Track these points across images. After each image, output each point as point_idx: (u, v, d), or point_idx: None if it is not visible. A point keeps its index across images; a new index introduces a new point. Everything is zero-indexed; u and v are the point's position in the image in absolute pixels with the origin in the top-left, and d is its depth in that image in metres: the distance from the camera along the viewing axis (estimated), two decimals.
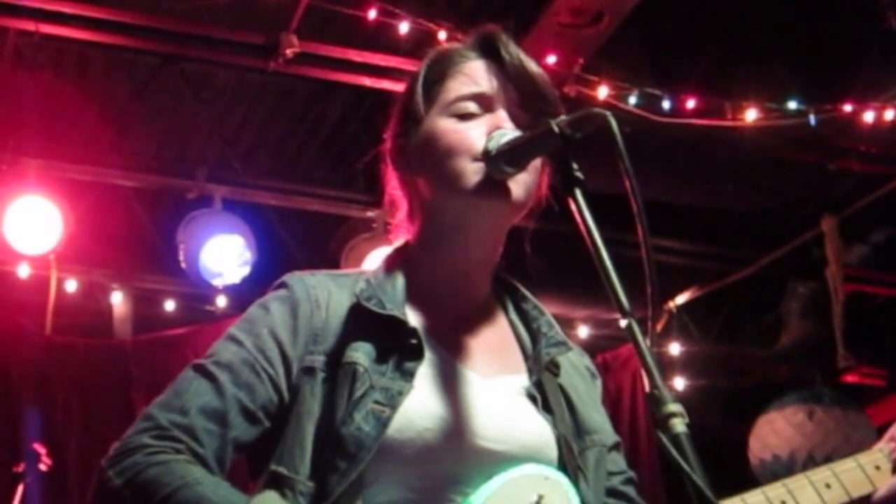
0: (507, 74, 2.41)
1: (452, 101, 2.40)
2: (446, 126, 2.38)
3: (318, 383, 2.26)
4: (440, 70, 2.46)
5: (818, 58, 6.83)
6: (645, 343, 1.92)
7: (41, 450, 6.26)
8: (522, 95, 2.41)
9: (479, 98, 2.40)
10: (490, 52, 2.45)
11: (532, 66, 2.44)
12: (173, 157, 7.75)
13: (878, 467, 2.59)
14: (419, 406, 2.23)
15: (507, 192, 2.33)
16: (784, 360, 9.29)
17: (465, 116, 2.38)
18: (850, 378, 9.07)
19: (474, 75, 2.43)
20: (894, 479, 2.57)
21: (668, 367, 8.63)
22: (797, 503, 2.47)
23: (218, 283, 7.20)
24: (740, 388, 9.59)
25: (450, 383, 2.30)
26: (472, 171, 2.32)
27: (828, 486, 2.52)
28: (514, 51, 2.43)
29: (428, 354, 2.31)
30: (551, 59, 6.25)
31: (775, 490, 2.46)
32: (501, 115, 2.38)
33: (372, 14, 6.19)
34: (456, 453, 2.23)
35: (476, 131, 2.35)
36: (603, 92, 6.57)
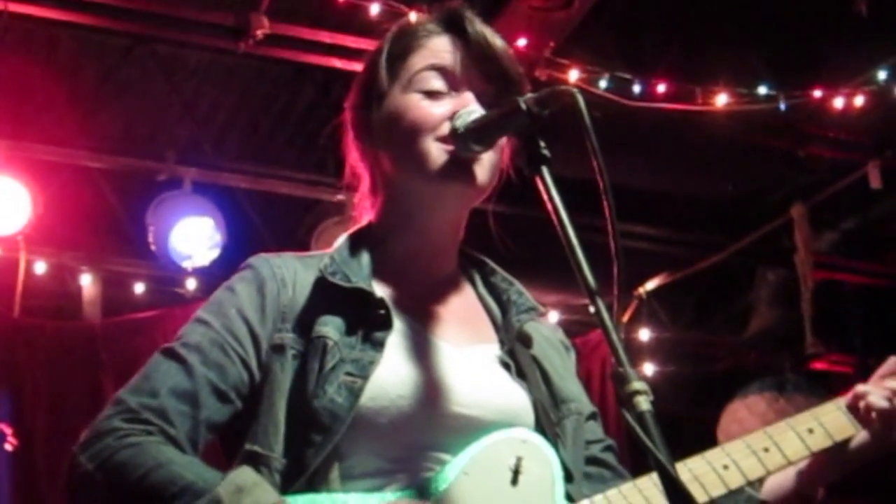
0: (471, 51, 2.40)
1: (415, 75, 2.38)
2: (411, 102, 2.37)
3: (289, 360, 2.26)
4: (404, 45, 2.44)
5: (788, 43, 6.84)
6: (611, 322, 1.91)
7: (7, 430, 6.23)
8: (487, 72, 2.39)
9: (443, 72, 2.38)
10: (455, 28, 2.43)
11: (497, 42, 2.42)
12: (143, 138, 7.69)
13: None
14: (391, 374, 2.23)
15: (472, 175, 2.33)
16: (753, 347, 9.29)
17: (430, 94, 2.37)
18: (819, 365, 9.06)
19: (438, 51, 2.41)
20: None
21: (637, 352, 8.61)
22: (780, 449, 2.48)
23: (187, 265, 7.18)
24: (710, 375, 9.57)
25: (421, 352, 2.30)
26: (438, 153, 2.32)
27: (810, 431, 2.53)
28: (479, 27, 2.42)
29: (397, 325, 2.31)
30: (522, 43, 6.23)
31: (757, 437, 2.47)
32: (468, 96, 2.36)
33: None
34: (431, 420, 2.23)
35: (441, 110, 2.34)
36: (573, 76, 6.56)
